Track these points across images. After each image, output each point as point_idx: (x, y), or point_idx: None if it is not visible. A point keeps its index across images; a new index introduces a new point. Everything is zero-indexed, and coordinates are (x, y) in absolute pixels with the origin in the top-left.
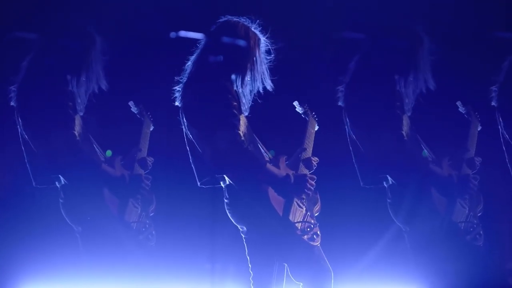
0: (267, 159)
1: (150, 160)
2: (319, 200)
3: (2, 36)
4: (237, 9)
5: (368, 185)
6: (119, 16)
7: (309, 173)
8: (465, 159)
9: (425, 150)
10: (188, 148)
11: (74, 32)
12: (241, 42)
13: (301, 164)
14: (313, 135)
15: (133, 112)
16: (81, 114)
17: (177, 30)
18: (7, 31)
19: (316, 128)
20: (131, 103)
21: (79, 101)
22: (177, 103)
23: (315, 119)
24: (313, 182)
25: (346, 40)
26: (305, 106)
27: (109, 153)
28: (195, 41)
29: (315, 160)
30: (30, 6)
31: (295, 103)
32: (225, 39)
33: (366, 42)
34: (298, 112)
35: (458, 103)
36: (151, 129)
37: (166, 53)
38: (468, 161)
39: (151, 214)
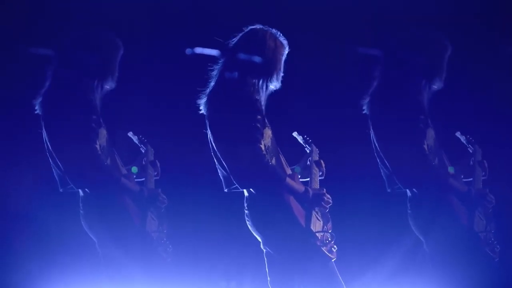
0: (288, 172)
1: (158, 163)
2: (330, 218)
3: (24, 48)
4: (250, 21)
5: (395, 191)
6: (133, 30)
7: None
8: (476, 161)
9: (452, 166)
10: (214, 156)
11: (93, 43)
12: (268, 51)
13: (313, 164)
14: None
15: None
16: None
17: (192, 46)
18: (27, 43)
19: (317, 157)
20: (130, 134)
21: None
22: (202, 111)
23: (316, 149)
24: (329, 197)
25: (365, 52)
26: (304, 136)
27: (134, 169)
28: (211, 58)
29: (323, 163)
30: (48, 20)
31: (295, 134)
32: (251, 49)
33: (387, 53)
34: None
35: (458, 134)
36: (152, 158)
37: (183, 68)
38: (480, 164)
39: (164, 231)
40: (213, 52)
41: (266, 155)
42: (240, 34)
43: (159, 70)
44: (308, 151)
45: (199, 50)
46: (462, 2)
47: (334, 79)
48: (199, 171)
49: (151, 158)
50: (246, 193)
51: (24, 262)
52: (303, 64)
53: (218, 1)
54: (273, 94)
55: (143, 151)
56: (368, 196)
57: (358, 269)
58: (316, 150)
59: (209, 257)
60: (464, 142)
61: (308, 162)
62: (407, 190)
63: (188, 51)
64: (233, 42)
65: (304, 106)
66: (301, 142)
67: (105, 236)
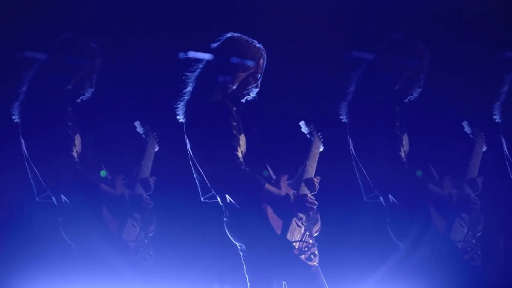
0: (274, 177)
1: (152, 180)
2: (319, 220)
3: (6, 54)
4: (239, 28)
5: (371, 200)
6: (124, 33)
7: (310, 194)
8: (467, 180)
9: (420, 171)
10: (191, 163)
11: (76, 50)
12: (245, 59)
13: (302, 184)
14: (317, 156)
15: (138, 132)
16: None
17: (184, 50)
18: (11, 49)
19: (321, 149)
20: (137, 123)
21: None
22: (180, 120)
23: (320, 140)
24: (314, 201)
25: (349, 57)
26: (311, 126)
27: (103, 173)
28: (201, 61)
29: (317, 180)
30: (33, 24)
31: (301, 123)
32: (229, 56)
33: (369, 58)
34: (303, 132)
35: (464, 123)
36: (155, 150)
37: (173, 72)
38: (470, 182)
39: (150, 234)
40: (207, 56)
41: (243, 162)
42: (218, 42)
43: (149, 73)
44: (312, 139)
45: (192, 54)
46: (441, 7)
47: (313, 85)
48: (186, 174)
49: (152, 150)
50: (221, 203)
51: (5, 266)
52: (281, 69)
53: (206, 6)
54: (257, 99)
55: (147, 139)
56: (349, 203)
57: (339, 276)
58: (319, 142)
59: (203, 259)
60: (469, 132)
61: (302, 175)
62: (385, 198)
63: (181, 55)
64: (211, 49)
65: (284, 111)
66: (305, 132)
67: (84, 243)
